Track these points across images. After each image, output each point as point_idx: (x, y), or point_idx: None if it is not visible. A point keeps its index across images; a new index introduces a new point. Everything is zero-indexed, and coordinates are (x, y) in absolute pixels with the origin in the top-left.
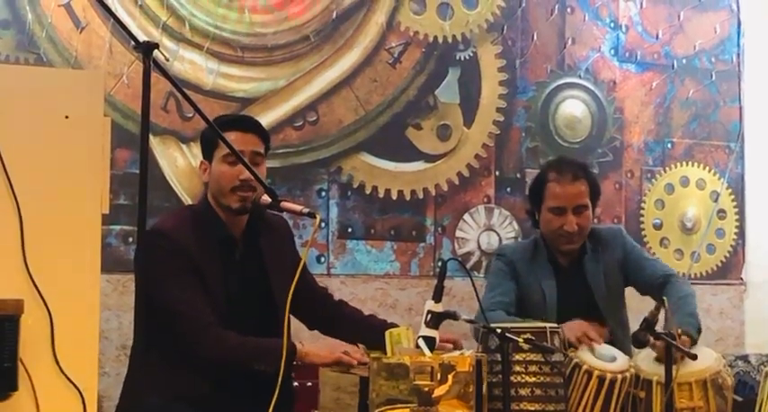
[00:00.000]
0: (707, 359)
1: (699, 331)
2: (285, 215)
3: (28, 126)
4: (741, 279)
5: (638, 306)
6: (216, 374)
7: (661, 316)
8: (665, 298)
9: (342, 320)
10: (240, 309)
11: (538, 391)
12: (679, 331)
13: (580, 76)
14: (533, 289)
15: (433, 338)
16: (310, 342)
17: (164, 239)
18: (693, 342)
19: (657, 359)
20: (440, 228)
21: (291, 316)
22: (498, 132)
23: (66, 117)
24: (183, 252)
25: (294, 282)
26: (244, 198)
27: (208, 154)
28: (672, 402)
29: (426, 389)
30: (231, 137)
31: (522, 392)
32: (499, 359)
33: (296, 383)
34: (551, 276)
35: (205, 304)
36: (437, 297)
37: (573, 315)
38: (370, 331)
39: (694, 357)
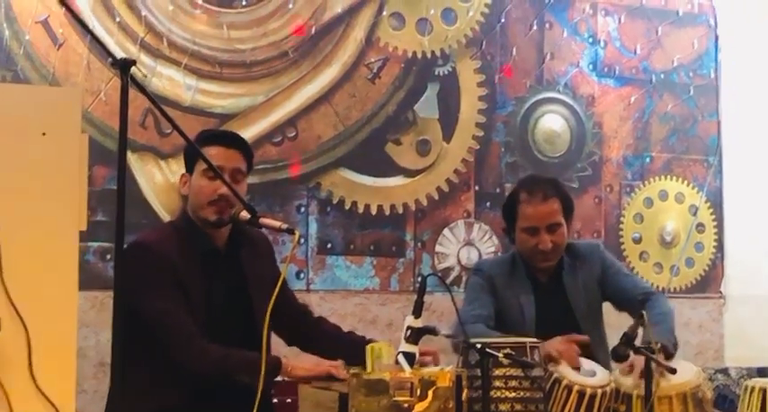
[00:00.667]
0: (687, 373)
1: (676, 347)
2: (265, 231)
3: (5, 142)
4: (720, 292)
5: (616, 321)
6: (198, 386)
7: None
8: (644, 312)
9: (321, 336)
10: (222, 322)
11: (518, 406)
12: (658, 345)
13: (559, 91)
14: (511, 304)
15: (413, 354)
16: (291, 357)
17: (147, 252)
18: (671, 356)
19: (637, 372)
20: (420, 243)
21: (270, 332)
22: (478, 147)
23: (44, 134)
24: (167, 264)
25: (273, 298)
26: (220, 211)
27: (189, 167)
28: None
29: (406, 405)
30: (213, 151)
31: (502, 408)
32: (479, 374)
33: (275, 400)
34: (529, 291)
35: (188, 316)
36: (417, 312)
37: (551, 330)
38: (349, 347)
39: (674, 371)
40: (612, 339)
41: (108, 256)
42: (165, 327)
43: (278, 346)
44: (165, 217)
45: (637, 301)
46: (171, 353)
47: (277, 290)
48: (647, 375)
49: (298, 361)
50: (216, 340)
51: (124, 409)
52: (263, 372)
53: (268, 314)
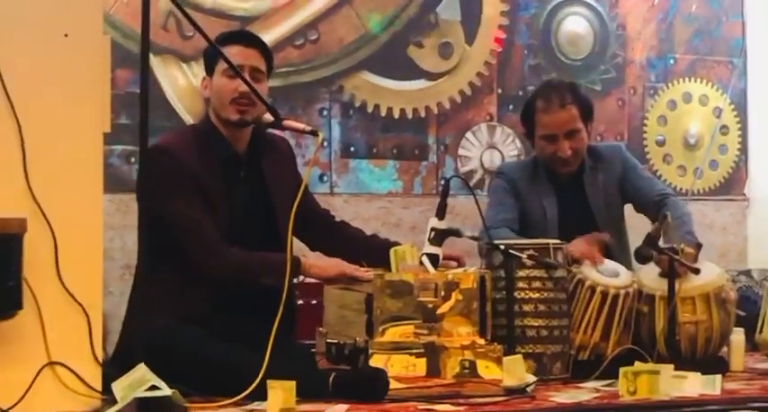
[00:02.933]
0: (710, 274)
1: (699, 248)
2: (287, 135)
3: (27, 45)
4: (744, 195)
5: (638, 223)
6: (222, 291)
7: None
8: (668, 213)
9: (344, 240)
10: (243, 229)
11: (541, 307)
12: (681, 246)
13: None
14: (534, 207)
15: (437, 255)
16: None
17: (166, 156)
18: (695, 257)
19: (661, 274)
20: (442, 147)
21: (294, 237)
22: (500, 50)
23: (66, 35)
24: (187, 169)
25: (296, 204)
26: (242, 111)
27: (209, 69)
28: (675, 316)
29: (430, 305)
30: (232, 51)
31: (526, 308)
32: (503, 275)
33: (300, 301)
34: (551, 194)
35: (210, 221)
36: (440, 214)
37: (573, 231)
38: (373, 250)
39: (697, 271)
40: (635, 242)
41: (132, 159)
42: (187, 232)
43: (301, 252)
44: (189, 120)
45: (653, 203)
46: (193, 258)
47: (300, 195)
48: (670, 275)
49: (319, 260)
50: (238, 245)
51: (147, 314)
52: (288, 272)
53: (292, 218)
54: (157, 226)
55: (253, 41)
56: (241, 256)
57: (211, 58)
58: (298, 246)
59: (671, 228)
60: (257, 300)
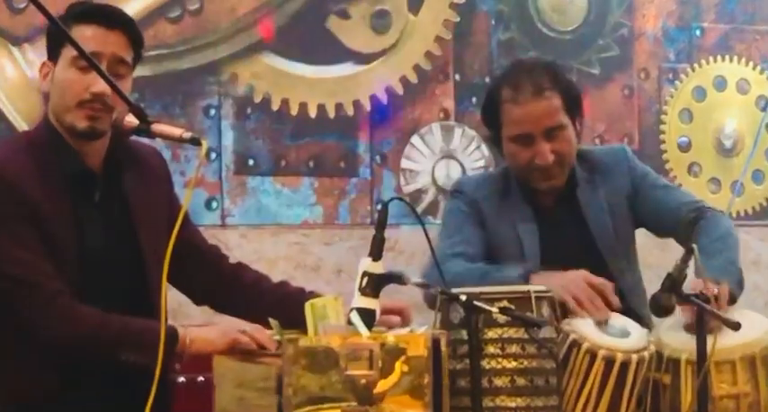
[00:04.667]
0: (755, 328)
1: (741, 286)
2: (159, 144)
3: None
4: None
5: (657, 258)
6: (65, 368)
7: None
8: (694, 246)
9: (240, 290)
10: (98, 278)
11: (520, 381)
12: (715, 290)
13: None
14: (506, 237)
15: (372, 311)
16: (200, 323)
17: None
18: (733, 301)
19: (687, 329)
20: (378, 157)
21: (171, 286)
22: (458, 20)
23: None
24: (17, 195)
25: (172, 240)
26: (94, 117)
27: (53, 52)
28: (707, 388)
29: (364, 381)
30: (87, 33)
31: (499, 383)
32: (465, 337)
33: (181, 378)
34: (530, 219)
35: (50, 266)
36: (376, 253)
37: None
38: (282, 303)
39: (737, 326)
40: (653, 284)
41: None
42: (18, 286)
43: (180, 310)
44: (22, 126)
45: (685, 222)
46: (29, 321)
47: (177, 227)
48: (699, 332)
49: (202, 330)
50: (89, 301)
51: None
52: (162, 345)
53: (166, 263)
54: None
55: (116, 21)
56: (95, 320)
57: (56, 37)
58: (177, 302)
59: (703, 257)
60: (120, 374)
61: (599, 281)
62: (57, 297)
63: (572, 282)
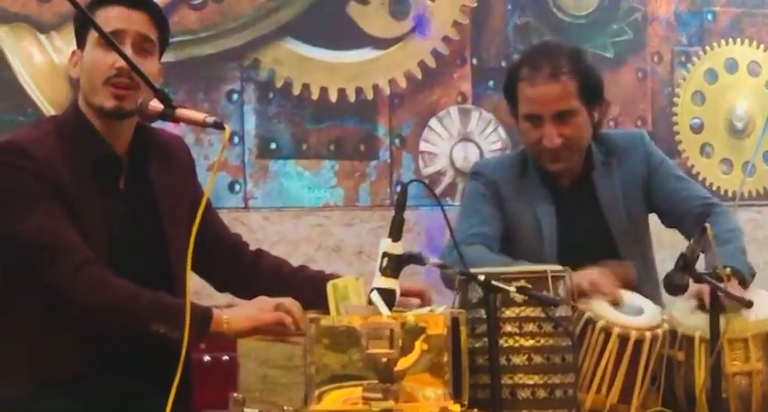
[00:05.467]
0: (767, 307)
1: (752, 274)
2: (184, 130)
3: None
4: None
5: (670, 240)
6: (95, 347)
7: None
8: (707, 225)
9: (262, 276)
10: (124, 261)
11: (537, 358)
12: (727, 270)
13: None
14: (524, 219)
15: (392, 291)
16: (224, 305)
17: (15, 155)
18: (746, 285)
19: (700, 308)
20: (397, 140)
21: (194, 273)
22: (475, 5)
23: None
24: (46, 171)
25: (195, 228)
26: (120, 96)
27: (81, 39)
28: (720, 365)
29: (385, 360)
30: (111, 13)
31: (516, 361)
32: (483, 316)
33: (207, 357)
34: (548, 201)
35: (81, 241)
36: (395, 234)
37: (579, 252)
38: (303, 287)
39: (750, 304)
40: (667, 264)
41: None
42: (47, 251)
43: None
44: (50, 111)
45: (693, 215)
46: (60, 288)
47: (199, 215)
48: (713, 311)
49: (236, 309)
50: None
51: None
52: (187, 320)
53: (190, 252)
54: (8, 256)
55: (139, 2)
56: (127, 289)
57: (82, 24)
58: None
59: (715, 245)
60: (146, 354)
61: (621, 269)
62: (87, 264)
63: (588, 271)
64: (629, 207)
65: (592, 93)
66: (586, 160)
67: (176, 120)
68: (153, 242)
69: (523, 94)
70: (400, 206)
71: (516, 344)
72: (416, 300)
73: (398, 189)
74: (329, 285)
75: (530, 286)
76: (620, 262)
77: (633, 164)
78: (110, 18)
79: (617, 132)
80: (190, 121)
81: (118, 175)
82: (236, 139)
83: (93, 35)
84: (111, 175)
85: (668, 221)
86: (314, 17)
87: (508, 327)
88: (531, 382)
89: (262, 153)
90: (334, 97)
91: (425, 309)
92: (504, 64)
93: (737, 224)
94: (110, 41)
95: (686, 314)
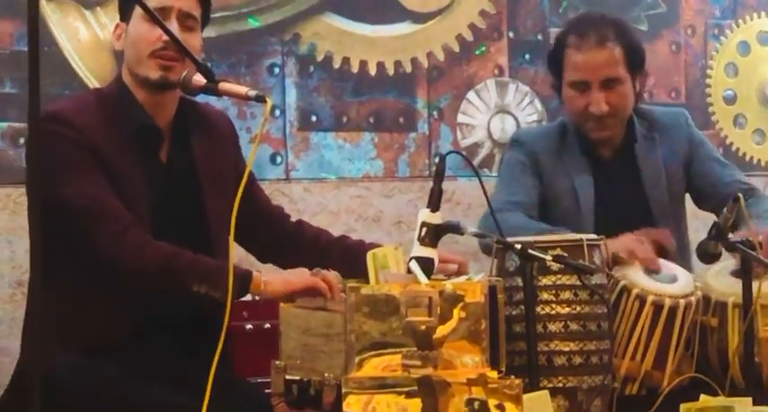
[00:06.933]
0: None
1: None
2: (226, 104)
3: None
4: None
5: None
6: (138, 313)
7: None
8: (740, 195)
9: (303, 246)
10: (164, 228)
11: (573, 326)
12: (760, 238)
13: None
14: (562, 189)
15: (431, 259)
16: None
17: (56, 123)
18: None
19: (734, 275)
20: (435, 112)
21: (236, 244)
22: None
23: None
24: (89, 141)
25: (237, 200)
26: (167, 66)
27: (125, 13)
28: (753, 330)
29: (423, 327)
30: None
31: (553, 328)
32: (520, 285)
33: (249, 326)
34: (587, 171)
35: (122, 205)
36: (434, 204)
37: (617, 222)
38: (343, 256)
39: None
40: (700, 233)
41: (21, 140)
42: (90, 214)
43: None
44: (95, 85)
45: (727, 196)
46: (105, 251)
47: (242, 186)
48: (745, 277)
49: (275, 274)
50: None
51: (45, 346)
52: (230, 283)
53: (233, 223)
54: (55, 223)
55: None
56: (168, 250)
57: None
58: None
59: (749, 217)
60: (185, 319)
61: (654, 234)
62: (130, 227)
63: (624, 238)
64: (670, 183)
65: (636, 62)
66: (628, 132)
67: (219, 93)
68: (193, 213)
69: (570, 61)
70: (439, 177)
71: (552, 312)
72: (454, 266)
73: (437, 160)
74: (369, 254)
75: (566, 254)
76: (657, 229)
77: (676, 141)
78: None
79: (659, 109)
80: (232, 95)
81: (159, 147)
82: (277, 112)
83: (138, 9)
84: (153, 147)
85: (701, 202)
86: None
87: (544, 295)
88: (567, 349)
89: (303, 125)
90: (373, 71)
91: (463, 278)
92: (540, 37)
93: None
94: (155, 18)
95: (722, 278)
